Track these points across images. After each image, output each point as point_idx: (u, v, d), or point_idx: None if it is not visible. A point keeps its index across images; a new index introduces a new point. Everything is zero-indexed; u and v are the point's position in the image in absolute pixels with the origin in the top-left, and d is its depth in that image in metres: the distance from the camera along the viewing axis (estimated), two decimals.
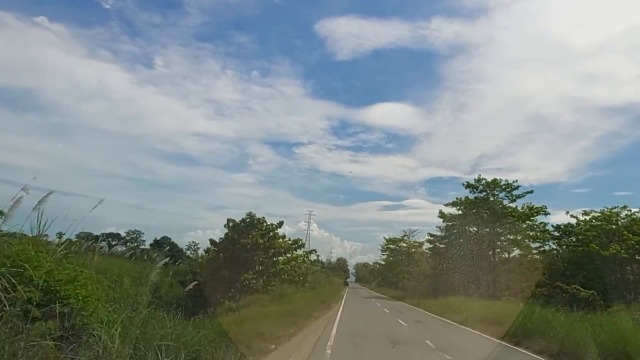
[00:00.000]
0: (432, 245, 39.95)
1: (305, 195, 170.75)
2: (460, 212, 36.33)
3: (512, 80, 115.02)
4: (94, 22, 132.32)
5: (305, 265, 19.20)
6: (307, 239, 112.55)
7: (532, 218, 33.16)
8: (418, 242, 75.27)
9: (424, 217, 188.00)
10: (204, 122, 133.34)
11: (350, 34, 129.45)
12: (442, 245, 38.87)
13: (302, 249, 18.82)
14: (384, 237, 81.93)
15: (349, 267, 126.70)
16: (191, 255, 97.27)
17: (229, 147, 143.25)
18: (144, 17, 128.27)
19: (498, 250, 33.92)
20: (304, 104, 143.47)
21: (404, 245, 77.64)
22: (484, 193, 34.80)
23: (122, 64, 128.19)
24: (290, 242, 18.68)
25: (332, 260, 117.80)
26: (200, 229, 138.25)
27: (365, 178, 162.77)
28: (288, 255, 19.74)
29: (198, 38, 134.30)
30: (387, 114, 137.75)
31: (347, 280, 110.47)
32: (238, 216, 21.13)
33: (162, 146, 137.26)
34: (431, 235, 39.11)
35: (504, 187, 33.99)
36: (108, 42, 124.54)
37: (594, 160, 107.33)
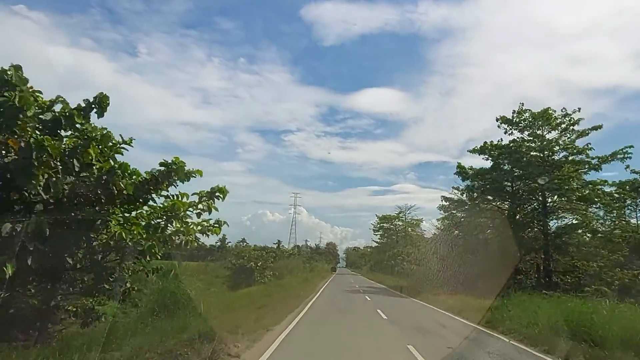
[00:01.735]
0: (445, 214, 28.64)
1: (294, 182, 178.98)
2: (490, 162, 24.90)
3: (499, 64, 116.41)
4: (74, 10, 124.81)
5: (205, 227, 7.87)
6: (293, 221, 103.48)
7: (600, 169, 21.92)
8: (416, 220, 64.95)
9: (413, 201, 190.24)
10: (191, 111, 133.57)
11: (337, 19, 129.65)
12: (462, 214, 27.52)
13: (186, 181, 6.86)
14: (377, 215, 70.92)
15: (338, 252, 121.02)
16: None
17: (217, 136, 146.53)
18: (125, 3, 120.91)
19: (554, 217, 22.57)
20: (292, 90, 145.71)
21: (400, 223, 66.87)
22: (528, 132, 23.33)
23: (105, 52, 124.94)
24: (157, 172, 6.63)
25: (321, 245, 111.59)
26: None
27: (354, 164, 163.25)
28: (157, 197, 7.21)
29: (182, 25, 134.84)
30: (375, 99, 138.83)
31: (336, 266, 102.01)
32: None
33: (148, 136, 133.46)
34: (446, 199, 27.73)
35: (558, 121, 22.52)
36: (90, 30, 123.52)
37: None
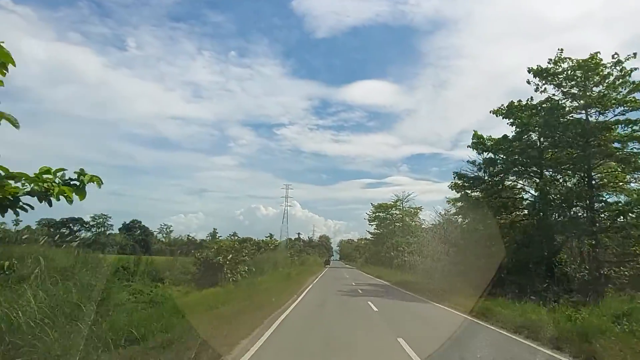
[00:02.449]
0: (460, 194, 23.67)
1: (287, 176, 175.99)
2: (515, 128, 20.06)
3: (491, 55, 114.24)
4: (61, 4, 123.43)
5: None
6: (285, 212, 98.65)
7: None
8: (414, 208, 60.26)
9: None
10: (182, 105, 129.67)
11: (329, 11, 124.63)
12: (477, 193, 22.62)
13: None
14: (372, 204, 66.09)
15: (332, 245, 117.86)
16: (163, 239, 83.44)
17: (208, 130, 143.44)
18: None
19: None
20: (284, 84, 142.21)
21: (397, 212, 62.11)
22: (567, 86, 18.44)
23: (93, 46, 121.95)
24: None
25: (314, 238, 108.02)
26: (182, 214, 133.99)
27: (347, 157, 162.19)
28: None
29: (171, 18, 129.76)
30: (368, 92, 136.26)
31: (329, 259, 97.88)
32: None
33: (139, 131, 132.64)
34: (459, 176, 22.78)
35: (606, 72, 17.64)
36: (77, 24, 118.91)
37: None
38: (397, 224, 60.50)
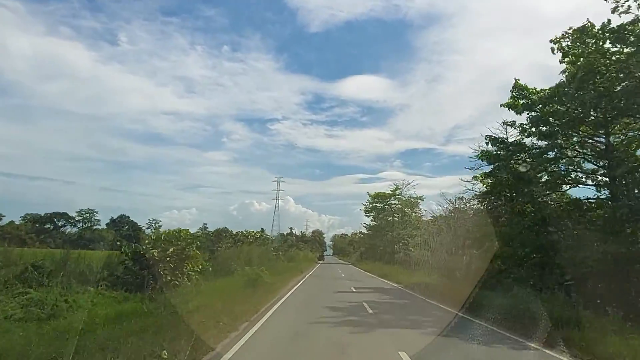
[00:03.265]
0: (492, 166, 17.56)
1: (281, 171, 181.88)
2: (565, 75, 14.10)
3: (485, 50, 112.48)
4: None
5: None
6: (276, 206, 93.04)
7: None
8: (415, 198, 54.38)
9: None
10: (174, 100, 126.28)
11: (322, 5, 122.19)
12: (522, 164, 16.55)
13: None
14: (369, 193, 60.16)
15: (325, 240, 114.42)
16: (151, 234, 77.84)
17: (201, 125, 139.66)
18: None
19: None
20: (277, 78, 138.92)
21: (396, 202, 56.28)
22: None
23: (84, 41, 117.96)
24: None
25: (307, 233, 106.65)
26: (176, 209, 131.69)
27: (341, 152, 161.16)
28: None
29: (163, 12, 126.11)
30: (362, 87, 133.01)
31: (323, 254, 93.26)
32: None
33: (131, 126, 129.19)
34: (492, 141, 16.77)
35: None
36: (68, 18, 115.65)
37: None
38: (396, 216, 54.80)
